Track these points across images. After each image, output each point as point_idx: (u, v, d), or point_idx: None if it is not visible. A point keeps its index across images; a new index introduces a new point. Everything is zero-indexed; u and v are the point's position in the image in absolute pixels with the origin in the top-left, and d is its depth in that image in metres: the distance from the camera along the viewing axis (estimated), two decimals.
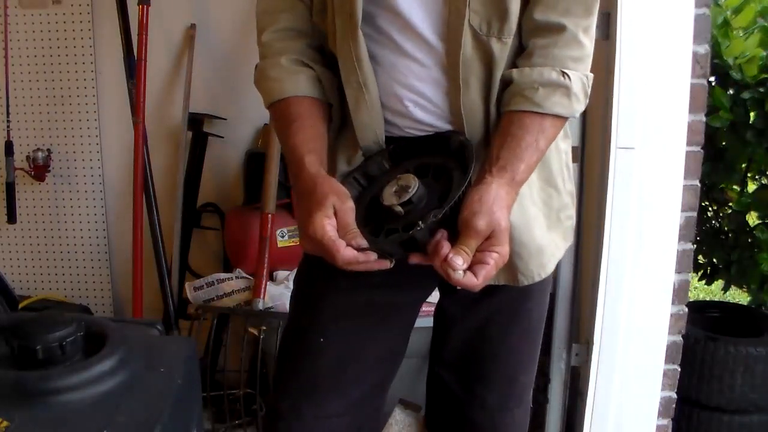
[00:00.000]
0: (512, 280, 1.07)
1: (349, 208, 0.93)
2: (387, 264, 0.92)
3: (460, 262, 0.87)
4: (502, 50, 0.96)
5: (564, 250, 1.13)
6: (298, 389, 1.12)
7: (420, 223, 0.89)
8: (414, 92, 0.99)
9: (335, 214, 0.92)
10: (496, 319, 1.14)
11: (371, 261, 0.90)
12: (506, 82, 0.98)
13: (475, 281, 0.88)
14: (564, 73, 0.95)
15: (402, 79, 0.99)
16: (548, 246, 1.08)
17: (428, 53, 0.97)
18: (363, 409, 1.16)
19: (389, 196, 0.94)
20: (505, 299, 1.12)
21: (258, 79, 1.05)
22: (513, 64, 0.99)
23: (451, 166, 0.98)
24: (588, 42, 0.98)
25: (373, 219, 0.98)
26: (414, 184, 0.93)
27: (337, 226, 0.91)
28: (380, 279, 1.03)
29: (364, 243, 0.90)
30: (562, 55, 0.96)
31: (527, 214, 1.04)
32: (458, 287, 0.89)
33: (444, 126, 1.01)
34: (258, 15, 1.06)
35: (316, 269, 1.10)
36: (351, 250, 0.89)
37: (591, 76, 1.00)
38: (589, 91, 0.99)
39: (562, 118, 0.97)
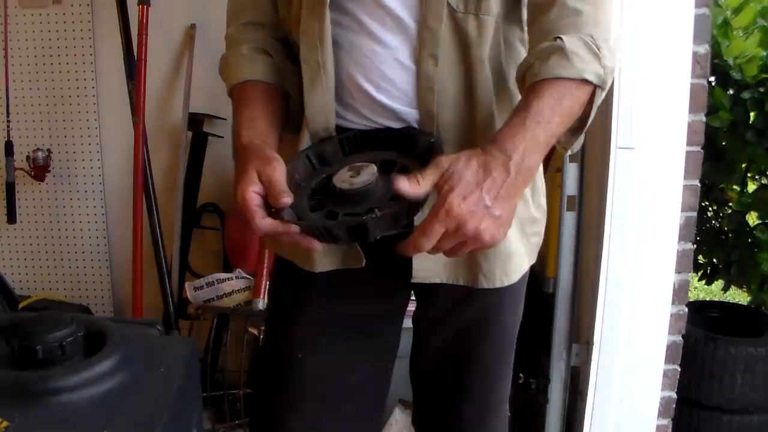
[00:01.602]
0: (472, 281, 1.03)
1: (273, 168, 0.88)
2: (314, 244, 0.86)
3: (405, 185, 0.80)
4: (479, 29, 0.93)
5: (528, 267, 1.09)
6: (284, 406, 1.10)
7: (376, 210, 0.84)
8: (377, 75, 0.96)
9: (260, 178, 0.88)
10: (471, 331, 1.11)
11: (293, 233, 0.85)
12: (516, 80, 0.95)
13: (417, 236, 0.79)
14: (556, 38, 0.87)
15: (365, 61, 0.96)
16: (517, 254, 1.04)
17: (397, 34, 0.94)
18: (361, 421, 1.15)
19: (342, 178, 0.89)
20: (479, 310, 1.09)
21: (221, 69, 1.06)
22: (498, 46, 0.96)
23: (417, 168, 0.90)
24: (587, 7, 0.88)
25: (324, 203, 0.92)
26: (372, 173, 0.88)
27: (264, 187, 0.88)
28: (354, 289, 1.03)
29: (288, 201, 0.86)
30: (553, 26, 0.89)
31: None
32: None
33: (406, 111, 0.97)
34: (227, 14, 1.09)
35: (288, 281, 1.09)
36: (269, 220, 0.86)
37: (602, 37, 0.88)
38: (603, 51, 0.87)
39: (571, 81, 0.86)
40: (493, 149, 0.83)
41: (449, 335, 1.13)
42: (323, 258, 1.03)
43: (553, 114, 0.85)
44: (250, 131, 0.96)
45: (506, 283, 1.04)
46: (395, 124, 0.98)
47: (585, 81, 0.86)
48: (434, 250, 0.81)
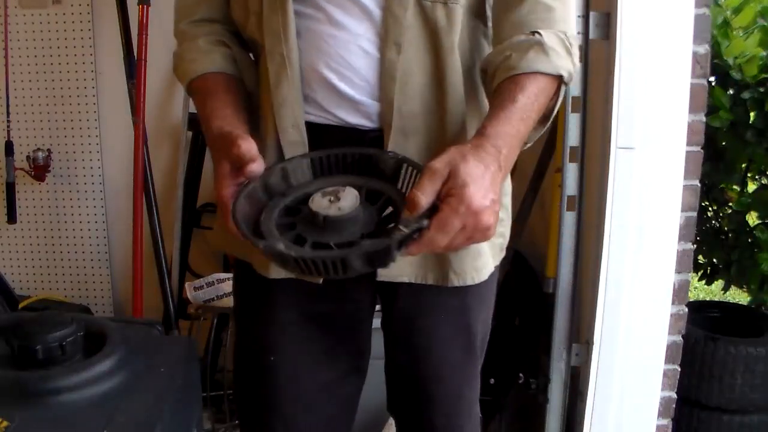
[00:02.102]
0: (442, 279, 1.01)
1: (237, 146, 0.86)
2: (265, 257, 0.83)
3: (419, 200, 0.77)
4: (448, 18, 0.93)
5: (493, 267, 1.07)
6: (264, 409, 1.09)
7: (398, 231, 0.76)
8: (339, 63, 0.94)
9: (230, 161, 0.87)
10: (437, 337, 1.08)
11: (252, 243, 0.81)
12: (483, 72, 0.94)
13: (430, 234, 0.78)
14: (533, 32, 0.89)
15: (327, 49, 0.94)
16: (486, 253, 1.04)
17: (362, 21, 0.93)
18: (338, 422, 1.14)
19: (321, 204, 0.82)
20: (443, 312, 1.06)
21: (176, 64, 1.05)
22: (465, 37, 0.96)
23: (391, 194, 0.86)
24: (557, 4, 0.91)
25: (293, 226, 0.84)
26: (354, 196, 0.83)
27: (233, 166, 0.87)
28: (316, 290, 1.00)
29: (257, 168, 0.85)
30: (527, 19, 0.90)
31: None
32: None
33: (367, 102, 0.95)
34: (175, 11, 1.08)
35: (250, 282, 1.07)
36: (234, 228, 0.82)
37: (572, 35, 0.92)
38: (573, 49, 0.91)
39: (548, 77, 0.88)
40: (486, 144, 0.82)
41: (415, 343, 1.09)
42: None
43: (532, 109, 0.87)
44: (221, 121, 0.93)
45: (477, 281, 1.03)
46: (355, 118, 0.96)
47: (558, 77, 0.89)
48: (444, 249, 0.81)
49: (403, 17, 0.92)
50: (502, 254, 1.11)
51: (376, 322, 1.13)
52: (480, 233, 0.80)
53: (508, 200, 1.09)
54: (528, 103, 0.86)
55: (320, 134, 0.97)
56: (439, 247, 0.79)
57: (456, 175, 0.78)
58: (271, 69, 0.96)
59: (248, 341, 1.11)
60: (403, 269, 1.00)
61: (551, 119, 0.94)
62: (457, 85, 0.96)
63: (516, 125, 0.85)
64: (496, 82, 0.90)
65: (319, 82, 0.96)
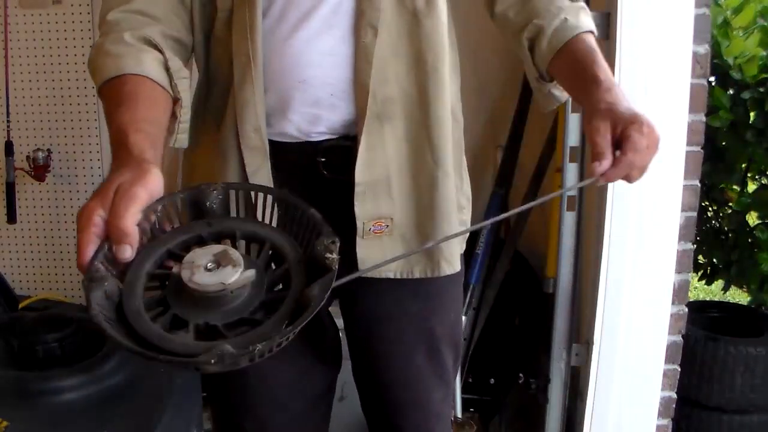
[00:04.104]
0: (433, 269, 1.02)
1: (132, 195, 0.65)
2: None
3: (597, 165, 0.82)
4: (427, 1, 0.94)
5: (458, 256, 1.08)
6: (237, 409, 1.09)
7: (258, 346, 0.59)
8: (309, 64, 0.92)
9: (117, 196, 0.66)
10: (398, 344, 1.07)
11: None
12: (532, 39, 0.97)
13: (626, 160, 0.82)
14: None
15: (296, 52, 0.92)
16: (453, 241, 1.04)
17: (330, 17, 0.92)
18: (309, 420, 1.13)
19: (202, 274, 0.63)
20: (404, 320, 1.05)
21: (93, 56, 0.89)
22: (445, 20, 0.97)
23: (277, 242, 0.69)
24: None
25: (165, 299, 0.66)
26: (241, 267, 0.63)
27: (108, 212, 0.66)
28: None
29: (128, 256, 0.65)
30: None
31: (449, 194, 1.00)
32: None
33: (337, 104, 0.93)
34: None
35: None
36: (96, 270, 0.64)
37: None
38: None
39: (592, 35, 0.97)
40: (610, 88, 0.88)
41: (378, 349, 1.08)
42: None
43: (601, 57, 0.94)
44: (141, 136, 0.75)
45: (449, 272, 1.04)
46: (321, 113, 0.94)
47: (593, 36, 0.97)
48: (639, 170, 0.84)
49: (379, 0, 0.91)
50: (464, 245, 1.11)
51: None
52: (656, 146, 0.85)
53: (469, 189, 1.10)
54: (598, 52, 0.94)
55: (276, 151, 0.95)
56: (635, 166, 0.83)
57: (623, 115, 0.84)
58: (236, 69, 0.93)
59: None
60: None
61: None
62: (438, 68, 0.96)
63: (606, 68, 0.92)
64: (559, 43, 0.94)
65: (287, 84, 0.93)
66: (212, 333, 0.63)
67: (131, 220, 0.65)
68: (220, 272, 0.63)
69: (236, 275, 0.63)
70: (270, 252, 0.69)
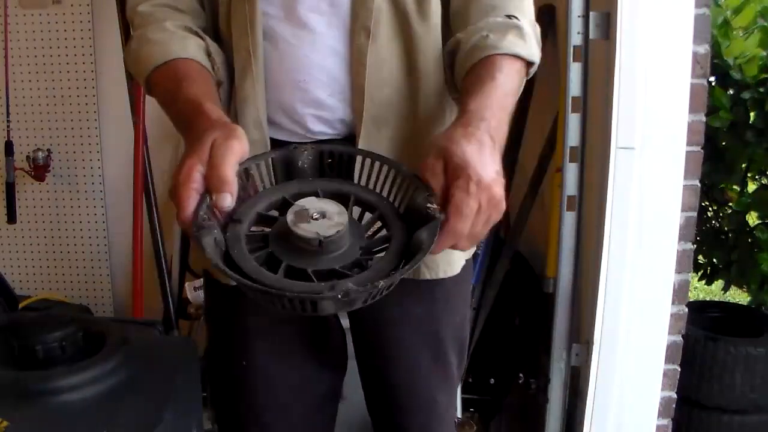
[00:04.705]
0: (415, 272, 0.97)
1: (228, 146, 0.72)
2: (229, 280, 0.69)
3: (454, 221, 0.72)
4: (419, 4, 0.92)
5: (464, 260, 1.05)
6: (240, 412, 1.08)
7: (381, 282, 0.66)
8: (309, 65, 0.92)
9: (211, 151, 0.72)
10: (404, 347, 1.06)
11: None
12: (452, 53, 0.91)
13: (450, 224, 0.72)
14: (510, 16, 0.89)
15: (296, 51, 0.92)
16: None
17: (331, 16, 0.91)
18: (314, 424, 1.13)
19: (304, 223, 0.70)
20: (409, 322, 1.04)
21: (135, 47, 0.91)
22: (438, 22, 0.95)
23: (380, 207, 0.77)
24: None
25: (261, 238, 0.73)
26: (342, 217, 0.71)
27: (207, 167, 0.72)
28: None
29: (229, 204, 0.71)
30: (500, 3, 0.90)
31: None
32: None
33: (335, 105, 0.93)
34: None
35: (218, 289, 1.05)
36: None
37: (535, 23, 0.93)
38: (539, 40, 0.92)
39: (523, 62, 0.87)
40: (471, 119, 0.79)
41: (384, 353, 1.08)
42: None
43: (511, 88, 0.86)
44: (215, 105, 0.81)
45: (450, 274, 1.02)
46: (322, 113, 0.94)
47: (529, 64, 0.89)
48: (468, 238, 0.75)
49: (372, 1, 0.91)
50: (473, 249, 1.08)
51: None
52: (495, 209, 0.76)
53: None
54: (506, 82, 0.84)
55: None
56: (462, 235, 0.74)
57: (453, 160, 0.74)
58: (237, 64, 0.94)
59: (220, 349, 1.10)
60: None
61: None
62: (430, 73, 0.95)
63: (499, 99, 0.83)
64: (470, 62, 0.87)
65: (288, 86, 0.93)
66: (327, 275, 0.69)
67: (231, 169, 0.71)
68: (319, 221, 0.70)
69: (331, 223, 0.70)
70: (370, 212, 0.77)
